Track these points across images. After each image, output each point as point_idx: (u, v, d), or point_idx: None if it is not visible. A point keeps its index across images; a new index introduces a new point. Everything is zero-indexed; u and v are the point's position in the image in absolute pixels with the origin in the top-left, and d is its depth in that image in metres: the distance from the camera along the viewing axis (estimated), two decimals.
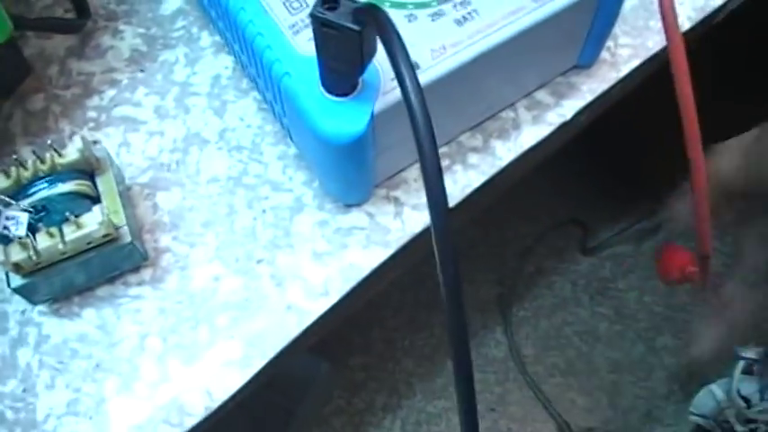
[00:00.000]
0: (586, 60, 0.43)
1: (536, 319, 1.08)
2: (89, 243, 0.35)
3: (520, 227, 1.09)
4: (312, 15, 0.29)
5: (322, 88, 0.33)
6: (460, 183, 0.40)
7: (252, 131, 0.41)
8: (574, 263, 1.09)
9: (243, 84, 0.42)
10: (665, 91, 0.33)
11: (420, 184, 0.39)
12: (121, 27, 0.44)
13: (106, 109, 0.42)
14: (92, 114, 0.42)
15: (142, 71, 0.43)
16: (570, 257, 1.10)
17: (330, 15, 0.29)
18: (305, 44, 0.34)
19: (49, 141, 0.35)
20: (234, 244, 0.38)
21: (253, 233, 0.38)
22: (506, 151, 0.40)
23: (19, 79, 0.40)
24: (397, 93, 0.33)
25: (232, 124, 0.41)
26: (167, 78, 0.42)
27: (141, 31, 0.44)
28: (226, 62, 0.43)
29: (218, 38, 0.43)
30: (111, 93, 0.42)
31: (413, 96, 0.25)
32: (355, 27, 0.29)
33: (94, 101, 0.42)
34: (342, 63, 0.31)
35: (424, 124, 0.25)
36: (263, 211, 0.39)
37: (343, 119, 0.33)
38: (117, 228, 0.36)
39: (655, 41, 0.44)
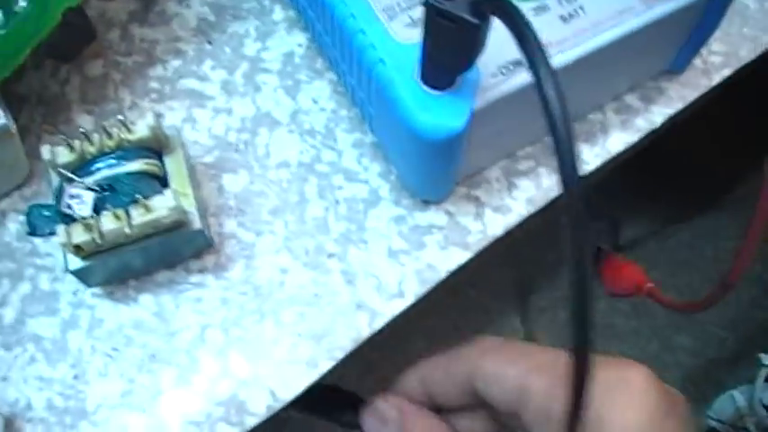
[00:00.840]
0: (679, 65, 0.40)
1: (554, 311, 1.06)
2: (155, 228, 0.32)
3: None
4: (427, 4, 0.27)
5: (419, 79, 0.31)
6: (544, 186, 0.37)
7: (326, 115, 0.38)
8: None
9: (317, 63, 0.39)
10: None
11: (502, 185, 0.37)
12: None
13: (170, 80, 0.39)
14: (154, 85, 0.39)
15: (209, 43, 0.40)
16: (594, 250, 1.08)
17: (448, 5, 0.27)
18: (401, 30, 0.32)
19: (119, 117, 0.32)
20: (304, 235, 0.36)
21: (324, 225, 0.36)
22: (593, 156, 0.38)
23: (83, 45, 0.37)
24: (498, 90, 0.31)
25: (305, 106, 0.38)
26: (237, 52, 0.40)
27: None
28: (299, 39, 0.40)
29: (291, 12, 0.40)
30: (175, 63, 0.40)
31: (556, 104, 0.23)
32: (474, 20, 0.27)
33: (158, 71, 0.40)
34: (450, 56, 0.29)
35: (566, 135, 0.22)
36: (336, 201, 0.37)
37: (441, 113, 0.30)
38: (186, 212, 0.33)
39: (747, 50, 0.42)
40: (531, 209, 0.37)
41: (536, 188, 0.37)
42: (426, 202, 0.37)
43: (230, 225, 0.36)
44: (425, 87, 0.31)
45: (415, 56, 0.29)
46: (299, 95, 0.38)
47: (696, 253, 1.11)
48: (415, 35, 0.30)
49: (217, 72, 0.39)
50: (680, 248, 1.09)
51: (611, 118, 0.39)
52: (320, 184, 0.37)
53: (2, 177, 0.37)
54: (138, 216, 0.32)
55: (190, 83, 0.39)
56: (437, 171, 0.35)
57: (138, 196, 0.31)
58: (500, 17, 0.25)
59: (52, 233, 0.32)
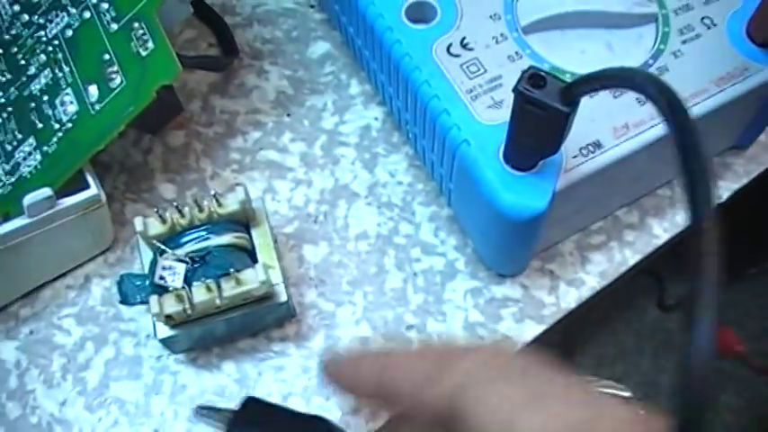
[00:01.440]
0: (745, 141, 0.41)
1: (597, 368, 1.06)
2: (244, 300, 0.34)
3: None
4: (517, 91, 0.28)
5: (503, 160, 0.32)
6: (615, 260, 0.38)
7: (402, 189, 0.39)
8: (640, 312, 1.07)
9: (394, 137, 0.41)
10: None
11: (575, 259, 0.38)
12: (267, 67, 0.43)
13: (250, 151, 0.41)
14: (235, 156, 0.41)
15: (288, 115, 0.42)
16: (638, 306, 1.08)
17: (537, 94, 0.28)
18: (484, 111, 0.33)
19: (212, 192, 0.34)
20: (383, 306, 0.37)
21: (403, 296, 0.37)
22: (662, 231, 0.39)
23: (170, 118, 0.39)
24: (578, 171, 0.32)
25: (382, 179, 0.40)
26: (315, 125, 0.41)
27: (288, 72, 0.43)
28: (376, 113, 0.41)
29: (368, 87, 0.42)
30: (255, 135, 0.41)
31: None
32: (565, 109, 0.28)
33: (238, 142, 0.41)
34: (536, 140, 0.30)
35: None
36: (415, 274, 0.37)
37: (524, 194, 0.31)
38: (273, 285, 0.34)
39: None
40: (603, 282, 0.38)
41: (608, 261, 0.38)
42: (502, 276, 0.37)
43: (311, 295, 0.37)
44: (509, 168, 0.32)
45: (499, 136, 0.30)
46: (376, 169, 0.39)
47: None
48: (498, 116, 0.32)
49: (296, 144, 0.41)
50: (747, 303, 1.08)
51: (679, 192, 0.40)
52: (398, 256, 0.38)
53: (89, 243, 0.38)
54: (230, 289, 0.33)
55: (270, 154, 0.41)
56: (516, 248, 0.36)
57: (231, 270, 0.33)
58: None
59: (144, 302, 0.34)
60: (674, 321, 1.06)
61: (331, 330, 0.36)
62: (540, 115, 0.28)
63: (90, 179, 0.36)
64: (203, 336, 0.36)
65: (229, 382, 0.36)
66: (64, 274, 0.37)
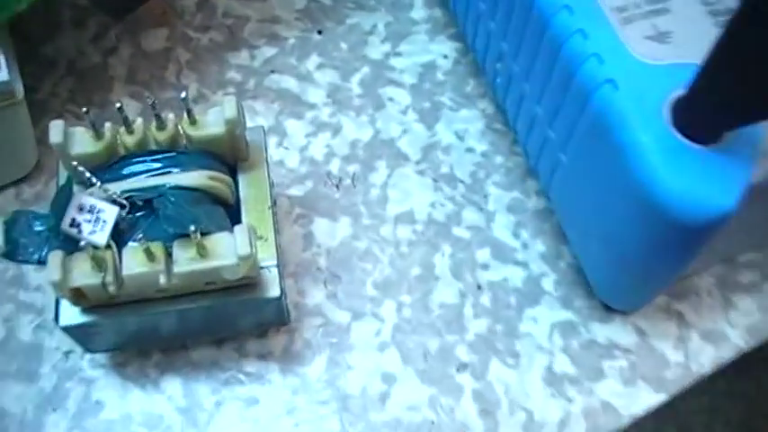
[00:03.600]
0: None
1: None
2: (208, 283, 0.20)
3: None
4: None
5: (671, 123, 0.19)
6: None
7: (473, 159, 0.27)
8: None
9: (467, 86, 0.28)
10: None
11: (715, 300, 0.25)
12: None
13: (257, 73, 0.28)
14: (234, 76, 0.28)
15: (320, 32, 0.29)
16: None
17: None
18: (639, 42, 0.22)
19: (183, 94, 0.21)
20: (425, 329, 0.24)
21: (458, 318, 0.24)
22: None
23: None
24: None
25: (445, 140, 0.27)
26: (356, 51, 0.29)
27: None
28: (445, 48, 0.30)
29: (438, 12, 0.29)
30: (268, 52, 0.29)
31: None
32: None
33: (242, 57, 0.29)
34: (746, 92, 0.18)
35: None
36: (479, 287, 0.25)
37: (704, 181, 0.19)
38: (259, 268, 0.21)
39: None
40: (752, 342, 0.25)
41: (759, 311, 0.25)
42: (609, 309, 0.25)
43: (316, 295, 0.24)
44: (680, 137, 0.19)
45: (662, 84, 0.20)
46: (437, 125, 0.27)
47: None
48: (662, 53, 0.21)
49: (324, 73, 0.28)
50: None
51: None
52: (456, 256, 0.25)
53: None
54: (186, 261, 0.20)
55: (285, 81, 0.28)
56: (655, 268, 0.23)
57: (191, 228, 0.19)
58: None
59: (42, 262, 0.20)
60: None
61: (339, 354, 0.23)
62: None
63: (1, 59, 0.22)
64: (138, 332, 0.22)
65: (169, 411, 0.23)
66: None
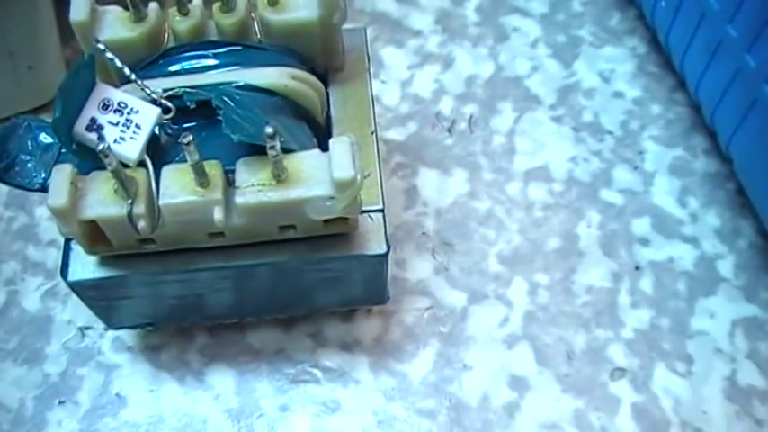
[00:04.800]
0: None
1: None
2: (283, 228, 0.15)
3: None
4: None
5: None
6: None
7: (623, 104, 0.21)
8: None
9: (611, 19, 0.22)
10: None
11: None
12: None
13: None
14: None
15: None
16: None
17: None
18: None
19: None
20: (566, 319, 0.18)
21: (610, 308, 0.18)
22: None
23: None
24: None
25: (586, 83, 0.21)
26: None
27: None
28: None
29: None
30: None
31: None
32: None
33: None
34: None
35: None
36: (636, 267, 0.19)
37: None
38: (362, 212, 0.15)
39: None
40: None
41: None
42: None
43: (421, 268, 0.18)
44: None
45: None
46: (576, 62, 0.21)
47: None
48: None
49: None
50: None
51: None
52: (607, 227, 0.19)
53: (10, 83, 0.19)
54: (255, 189, 0.13)
55: (382, 2, 0.22)
56: None
57: (267, 130, 0.13)
58: None
59: (46, 189, 0.14)
60: None
61: (452, 348, 0.17)
62: None
63: None
64: (177, 299, 0.17)
65: (216, 413, 0.17)
66: None
